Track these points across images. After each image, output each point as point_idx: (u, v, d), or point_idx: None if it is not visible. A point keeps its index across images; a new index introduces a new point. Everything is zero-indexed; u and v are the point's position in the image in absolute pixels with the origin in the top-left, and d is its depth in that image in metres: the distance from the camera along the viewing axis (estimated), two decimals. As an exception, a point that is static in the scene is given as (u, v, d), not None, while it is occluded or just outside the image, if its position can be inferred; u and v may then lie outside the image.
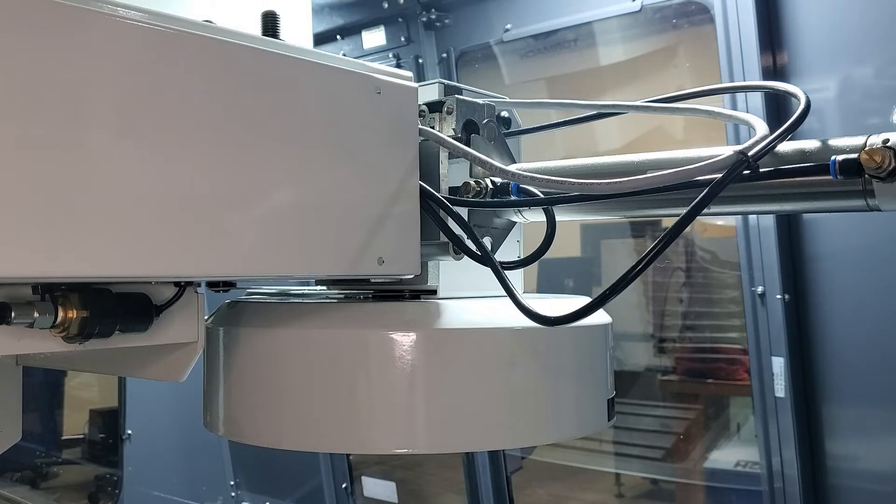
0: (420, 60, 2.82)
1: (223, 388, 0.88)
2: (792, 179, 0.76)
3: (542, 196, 0.87)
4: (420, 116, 0.93)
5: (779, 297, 2.12)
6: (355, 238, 0.80)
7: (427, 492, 3.63)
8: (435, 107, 0.95)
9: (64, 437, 4.73)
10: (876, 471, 2.08)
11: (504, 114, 1.03)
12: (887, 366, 2.00)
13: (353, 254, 0.80)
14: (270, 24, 0.84)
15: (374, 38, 2.91)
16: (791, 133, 0.76)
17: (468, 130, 0.95)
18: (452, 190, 0.91)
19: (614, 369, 0.94)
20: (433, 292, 0.93)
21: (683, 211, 0.73)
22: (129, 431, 3.79)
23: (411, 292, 0.93)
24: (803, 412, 2.13)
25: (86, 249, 0.61)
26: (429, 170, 0.89)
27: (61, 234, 0.60)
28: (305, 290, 1.09)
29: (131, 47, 0.64)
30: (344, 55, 0.87)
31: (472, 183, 0.90)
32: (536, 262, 0.93)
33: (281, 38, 0.84)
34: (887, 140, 0.70)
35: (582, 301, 0.78)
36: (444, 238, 0.87)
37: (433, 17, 2.79)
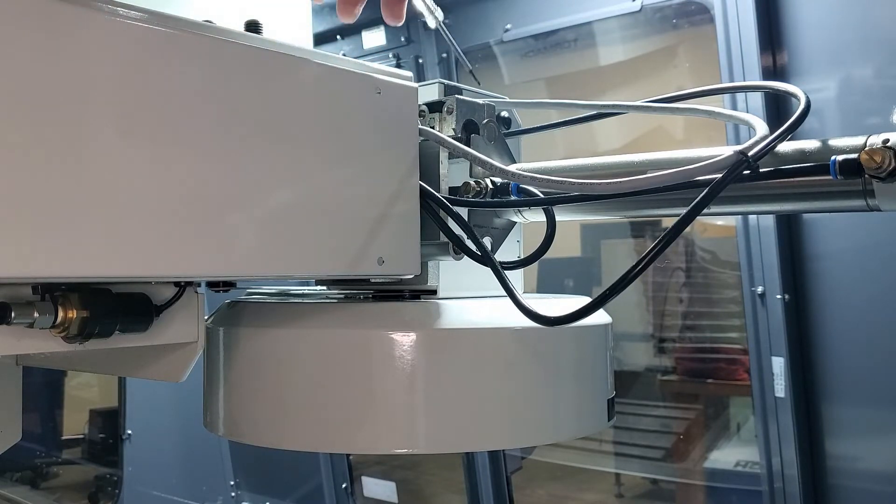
0: (420, 60, 2.82)
1: (223, 389, 0.88)
2: (792, 179, 0.76)
3: (542, 196, 0.87)
4: (420, 116, 0.93)
5: (779, 297, 2.12)
6: (355, 238, 0.80)
7: (427, 492, 3.63)
8: (435, 107, 0.95)
9: (64, 437, 4.73)
10: (876, 471, 2.09)
11: (504, 114, 1.03)
12: (887, 366, 2.00)
13: (353, 254, 0.80)
14: (253, 32, 0.83)
15: (374, 38, 2.91)
16: (791, 133, 0.76)
17: (468, 130, 0.95)
18: (452, 190, 0.91)
19: (614, 369, 0.94)
20: (433, 292, 0.93)
21: (683, 211, 0.73)
22: (129, 431, 3.79)
23: (411, 292, 0.93)
24: (803, 412, 2.14)
25: (86, 249, 0.61)
26: (429, 170, 0.89)
27: (61, 234, 0.60)
28: (305, 290, 1.09)
29: (131, 47, 0.64)
30: (344, 55, 0.87)
31: (472, 183, 0.90)
32: (536, 262, 0.93)
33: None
34: (887, 140, 0.70)
35: (582, 301, 0.78)
36: (444, 238, 0.87)
37: (433, 17, 2.78)
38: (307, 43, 0.93)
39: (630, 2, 2.39)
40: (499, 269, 0.83)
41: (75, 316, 0.67)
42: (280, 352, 0.83)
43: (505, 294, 0.81)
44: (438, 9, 0.89)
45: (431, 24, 0.89)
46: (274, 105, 0.74)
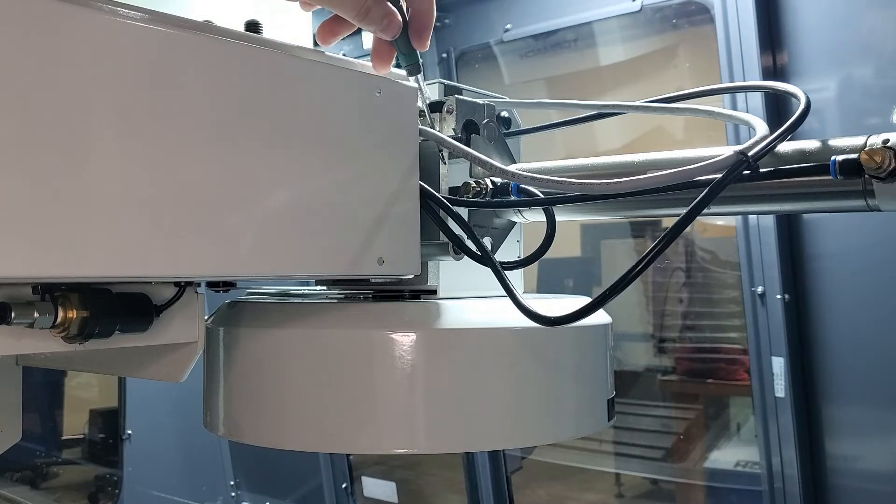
0: (420, 60, 2.81)
1: (223, 389, 0.88)
2: (792, 179, 0.76)
3: (542, 196, 0.87)
4: (420, 116, 0.93)
5: (779, 297, 2.12)
6: (355, 238, 0.80)
7: (427, 492, 3.63)
8: (435, 107, 0.95)
9: (64, 437, 4.73)
10: (876, 471, 2.09)
11: (504, 114, 1.03)
12: (887, 366, 2.00)
13: (353, 254, 0.80)
14: (253, 32, 0.83)
15: (375, 38, 2.90)
16: (791, 133, 0.76)
17: (468, 130, 0.95)
18: (452, 190, 0.91)
19: (614, 369, 0.94)
20: (433, 292, 0.93)
21: (683, 211, 0.73)
22: (129, 431, 3.79)
23: (411, 292, 0.93)
24: (803, 412, 2.14)
25: (85, 249, 0.61)
26: (429, 170, 0.89)
27: (61, 234, 0.60)
28: (305, 290, 1.09)
29: (131, 47, 0.64)
30: (344, 55, 0.87)
31: (472, 183, 0.90)
32: (536, 262, 0.93)
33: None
34: (887, 140, 0.70)
35: (582, 301, 0.78)
36: (444, 238, 0.87)
37: (433, 16, 2.78)
38: (307, 43, 0.93)
39: (630, 2, 2.39)
40: (499, 269, 0.83)
41: (75, 316, 0.67)
42: (280, 352, 0.83)
43: (505, 294, 0.81)
44: (428, 90, 0.94)
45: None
46: (274, 105, 0.74)
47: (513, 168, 0.89)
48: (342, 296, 0.97)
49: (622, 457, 3.32)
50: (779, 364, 2.13)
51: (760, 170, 0.75)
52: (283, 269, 0.75)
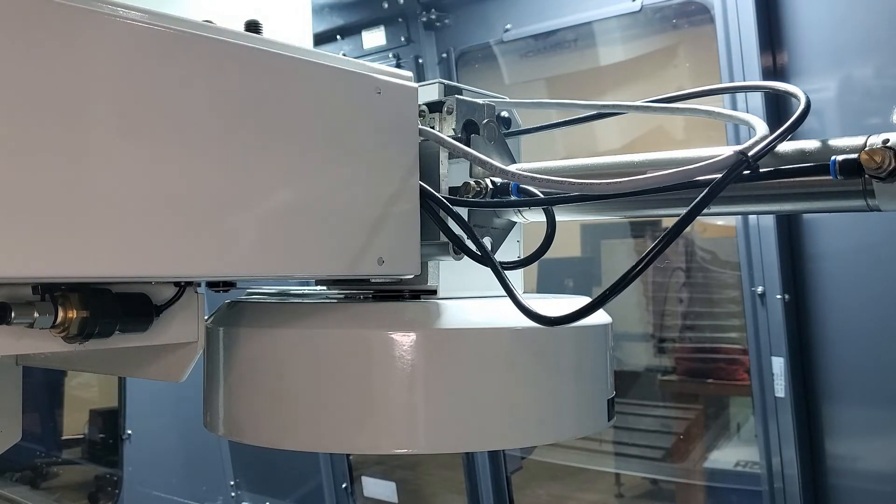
0: (420, 60, 2.82)
1: (223, 389, 0.88)
2: (792, 179, 0.76)
3: (542, 196, 0.88)
4: (420, 116, 0.93)
5: (779, 297, 2.12)
6: (355, 238, 0.80)
7: (427, 492, 3.63)
8: (435, 107, 0.95)
9: (64, 437, 4.74)
10: (876, 471, 2.09)
11: (504, 114, 1.03)
12: (887, 366, 2.00)
13: (353, 254, 0.80)
14: (253, 32, 0.83)
15: (374, 38, 2.91)
16: (791, 133, 0.76)
17: (468, 130, 0.95)
18: (452, 190, 0.91)
19: (614, 369, 0.94)
20: (433, 292, 0.93)
21: (683, 211, 0.73)
22: (129, 431, 3.79)
23: (411, 292, 0.93)
24: (803, 412, 2.13)
25: (85, 249, 0.61)
26: (429, 170, 0.89)
27: (61, 234, 0.60)
28: (305, 290, 1.09)
29: (131, 47, 0.64)
30: (344, 55, 0.87)
31: (472, 183, 0.90)
32: (536, 262, 0.93)
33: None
34: (887, 140, 0.70)
35: (582, 301, 0.78)
36: (444, 238, 0.88)
37: (433, 17, 2.79)
38: (307, 43, 0.93)
39: (630, 2, 2.39)
40: (499, 269, 0.83)
41: (75, 316, 0.67)
42: (280, 352, 0.83)
43: (505, 294, 0.81)
44: None
45: None
46: (274, 105, 0.74)
47: (513, 168, 0.89)
48: (342, 296, 0.97)
49: (622, 457, 3.32)
50: (779, 364, 2.13)
51: (760, 170, 0.75)
52: (283, 269, 0.75)
